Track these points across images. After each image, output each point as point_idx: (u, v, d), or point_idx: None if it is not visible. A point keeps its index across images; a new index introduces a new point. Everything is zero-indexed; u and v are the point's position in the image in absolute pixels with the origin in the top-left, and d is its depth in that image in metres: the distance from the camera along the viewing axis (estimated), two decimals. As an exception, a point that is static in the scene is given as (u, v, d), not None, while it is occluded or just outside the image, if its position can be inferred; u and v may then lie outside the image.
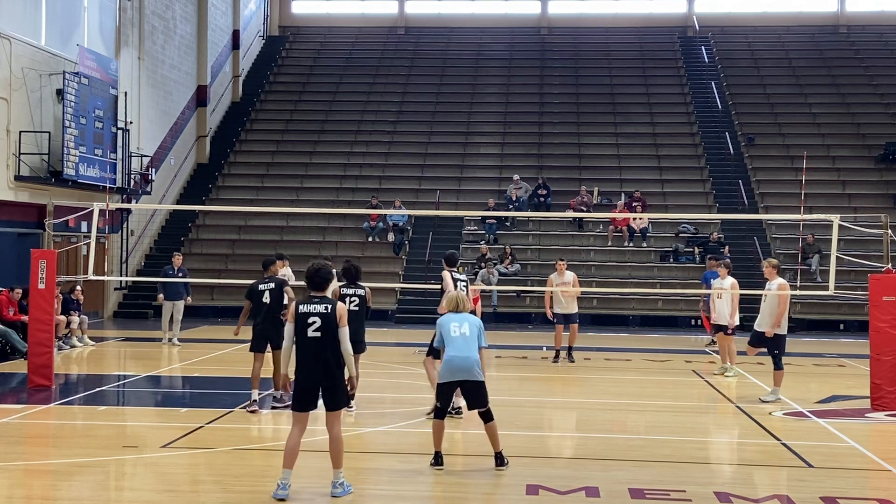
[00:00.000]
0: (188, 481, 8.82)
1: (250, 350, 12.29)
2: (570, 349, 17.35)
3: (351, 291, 11.93)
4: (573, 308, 17.28)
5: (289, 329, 8.12)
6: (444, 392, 9.16)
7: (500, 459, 9.08)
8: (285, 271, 17.23)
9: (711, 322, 16.48)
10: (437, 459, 9.07)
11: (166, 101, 29.16)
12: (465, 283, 12.15)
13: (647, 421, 12.25)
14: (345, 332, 8.01)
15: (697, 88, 34.53)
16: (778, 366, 13.29)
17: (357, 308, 11.99)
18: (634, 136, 32.51)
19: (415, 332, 19.24)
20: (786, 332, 13.33)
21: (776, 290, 13.33)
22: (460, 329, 9.17)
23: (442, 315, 9.59)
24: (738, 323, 16.03)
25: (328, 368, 7.99)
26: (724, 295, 15.91)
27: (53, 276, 13.70)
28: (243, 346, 18.19)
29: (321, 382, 8.02)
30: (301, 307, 8.08)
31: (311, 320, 7.98)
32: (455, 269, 12.34)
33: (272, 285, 12.25)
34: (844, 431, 11.20)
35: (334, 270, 8.33)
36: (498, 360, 17.45)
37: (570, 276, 17.37)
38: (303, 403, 8.07)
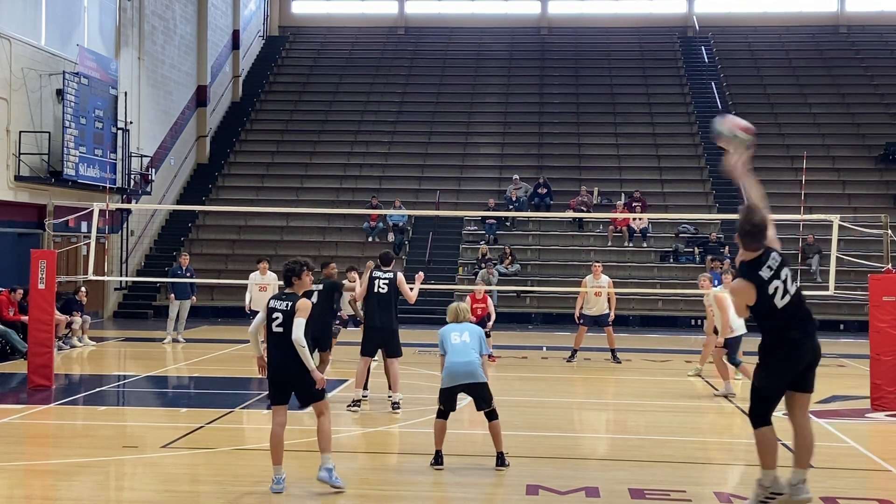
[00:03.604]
0: (188, 481, 8.82)
1: None
2: (613, 351, 17.52)
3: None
4: (604, 310, 17.43)
5: (258, 317, 8.47)
6: (446, 396, 9.21)
7: (501, 459, 9.09)
8: (270, 275, 17.29)
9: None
10: (438, 459, 9.09)
11: (166, 101, 29.16)
12: (386, 282, 12.14)
13: (647, 421, 12.25)
14: (299, 322, 8.03)
15: (697, 88, 34.52)
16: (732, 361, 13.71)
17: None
18: (634, 136, 32.50)
19: (414, 332, 19.24)
20: (740, 334, 13.64)
21: (712, 298, 13.81)
22: (461, 337, 9.29)
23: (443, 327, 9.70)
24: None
25: (292, 363, 8.10)
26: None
27: (53, 276, 13.70)
28: (243, 346, 18.26)
29: (287, 377, 8.15)
30: (271, 302, 8.33)
31: (274, 315, 8.19)
32: (383, 269, 12.26)
33: (320, 287, 12.52)
34: (844, 431, 11.20)
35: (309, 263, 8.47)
36: (498, 359, 17.46)
37: (605, 279, 17.54)
38: (274, 396, 8.26)
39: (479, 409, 9.26)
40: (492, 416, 9.18)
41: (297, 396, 8.23)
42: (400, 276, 12.30)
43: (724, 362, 13.89)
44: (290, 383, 8.17)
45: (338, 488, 8.12)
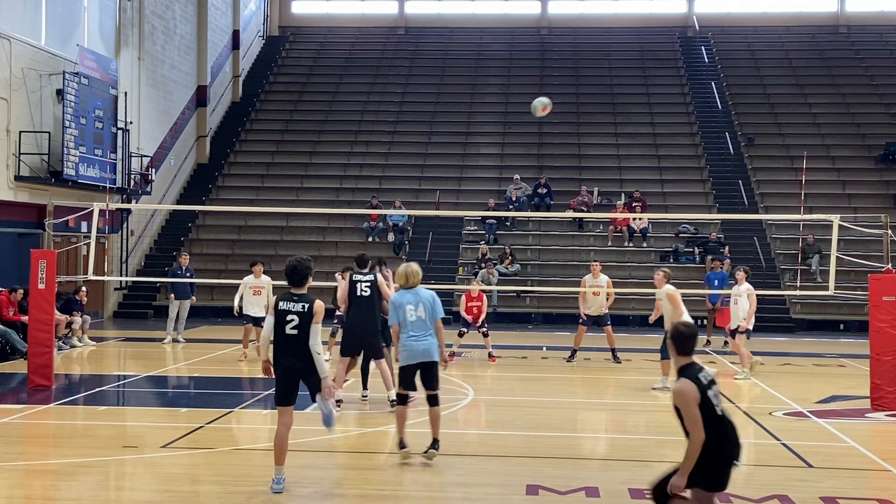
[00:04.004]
0: (188, 481, 8.82)
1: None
2: (613, 351, 17.51)
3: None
4: (604, 310, 17.39)
5: (269, 321, 8.28)
6: (405, 376, 9.42)
7: (434, 444, 9.30)
8: (264, 278, 17.20)
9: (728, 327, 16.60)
10: (402, 445, 9.33)
11: (166, 101, 29.16)
12: (367, 284, 12.22)
13: (647, 421, 12.24)
14: (316, 330, 8.06)
15: (697, 88, 34.53)
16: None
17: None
18: (634, 136, 32.50)
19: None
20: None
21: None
22: (416, 312, 9.37)
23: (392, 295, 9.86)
24: (751, 327, 16.06)
25: (306, 363, 8.11)
26: (739, 299, 15.93)
27: (53, 276, 13.70)
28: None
29: (300, 377, 8.16)
30: (281, 303, 8.21)
31: (288, 318, 8.11)
32: (362, 272, 12.34)
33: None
34: (844, 431, 11.20)
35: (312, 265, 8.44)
36: (498, 359, 17.46)
37: (604, 278, 17.53)
38: (283, 397, 8.22)
39: (425, 387, 9.40)
40: (434, 401, 9.38)
41: (312, 392, 8.23)
42: (379, 277, 12.42)
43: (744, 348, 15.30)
44: (301, 381, 8.19)
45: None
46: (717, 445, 6.15)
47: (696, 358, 6.38)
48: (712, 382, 6.20)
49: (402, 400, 9.42)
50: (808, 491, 8.41)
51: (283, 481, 8.11)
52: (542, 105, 16.32)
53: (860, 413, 12.56)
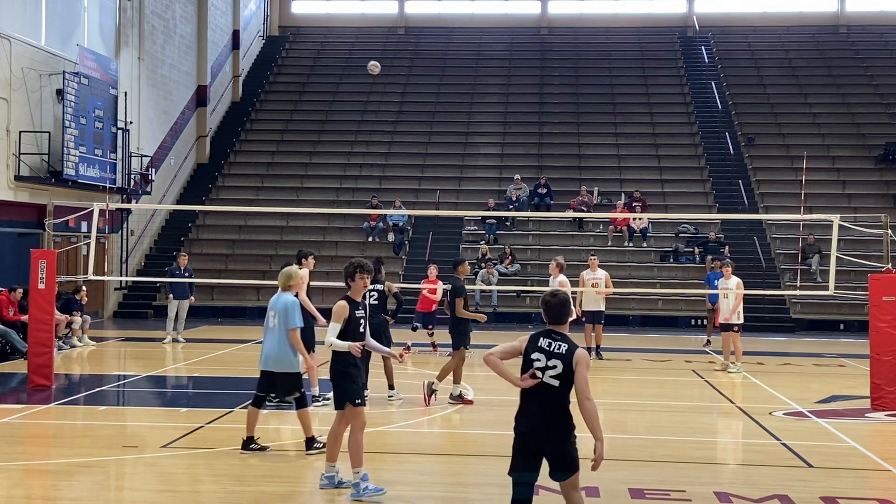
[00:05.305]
0: (188, 481, 8.82)
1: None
2: (597, 348, 17.55)
3: (370, 286, 12.36)
4: (601, 306, 17.46)
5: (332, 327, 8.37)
6: (260, 379, 9.57)
7: (309, 443, 9.39)
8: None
9: (719, 321, 16.76)
10: (249, 443, 9.39)
11: (166, 101, 29.15)
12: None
13: (647, 421, 12.25)
14: (331, 328, 8.13)
15: (697, 88, 34.52)
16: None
17: (377, 302, 12.41)
18: (634, 136, 32.50)
19: (413, 332, 19.22)
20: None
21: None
22: (272, 320, 9.37)
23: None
24: (742, 321, 16.30)
25: (333, 367, 8.20)
26: (729, 294, 16.15)
27: (53, 276, 13.70)
28: (244, 346, 18.25)
29: (331, 377, 8.26)
30: None
31: None
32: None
33: (449, 287, 12.98)
34: (844, 431, 11.20)
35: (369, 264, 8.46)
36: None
37: (602, 272, 17.62)
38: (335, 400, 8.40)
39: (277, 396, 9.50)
40: (299, 404, 9.44)
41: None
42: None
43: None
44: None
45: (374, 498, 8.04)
46: (519, 407, 6.49)
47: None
48: (553, 355, 6.22)
49: (256, 402, 9.54)
50: (808, 491, 8.41)
51: (363, 484, 7.97)
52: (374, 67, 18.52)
53: (860, 413, 12.56)
